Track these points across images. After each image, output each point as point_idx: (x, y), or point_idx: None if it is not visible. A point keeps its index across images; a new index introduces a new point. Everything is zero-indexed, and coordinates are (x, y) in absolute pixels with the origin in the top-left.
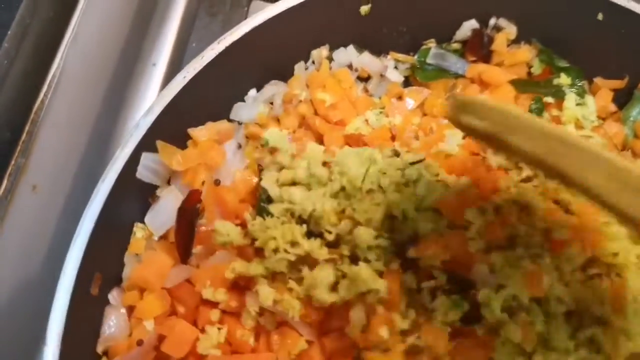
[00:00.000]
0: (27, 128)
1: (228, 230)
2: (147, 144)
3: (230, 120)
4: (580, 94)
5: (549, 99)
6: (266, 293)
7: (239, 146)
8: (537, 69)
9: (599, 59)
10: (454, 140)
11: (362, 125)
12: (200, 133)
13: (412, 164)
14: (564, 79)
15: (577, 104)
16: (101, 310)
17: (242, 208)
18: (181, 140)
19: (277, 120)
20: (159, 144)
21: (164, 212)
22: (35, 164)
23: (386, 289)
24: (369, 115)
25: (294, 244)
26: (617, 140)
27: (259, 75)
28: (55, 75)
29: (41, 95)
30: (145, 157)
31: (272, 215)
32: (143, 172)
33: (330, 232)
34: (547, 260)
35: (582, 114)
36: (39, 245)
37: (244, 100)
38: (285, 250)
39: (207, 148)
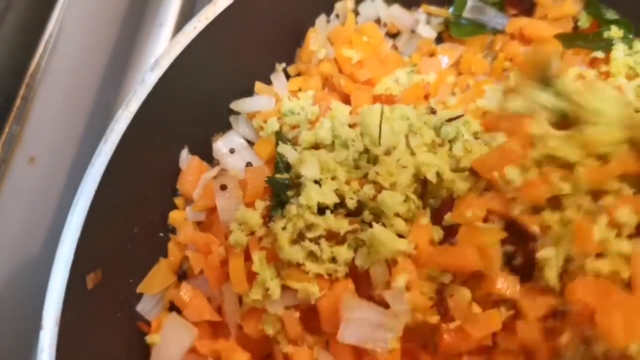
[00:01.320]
0: (21, 93)
1: (247, 218)
2: (152, 103)
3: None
4: (631, 46)
5: (599, 54)
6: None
7: (232, 151)
8: (584, 22)
9: None
10: (495, 96)
11: (392, 85)
12: None
13: (450, 120)
14: (614, 32)
15: (627, 55)
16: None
17: None
18: (188, 102)
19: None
20: None
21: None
22: (31, 133)
23: (411, 246)
24: (399, 74)
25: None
26: None
27: (275, 33)
28: (52, 34)
29: (37, 56)
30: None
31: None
32: None
33: (351, 199)
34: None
35: (633, 60)
36: (38, 222)
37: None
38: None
39: None
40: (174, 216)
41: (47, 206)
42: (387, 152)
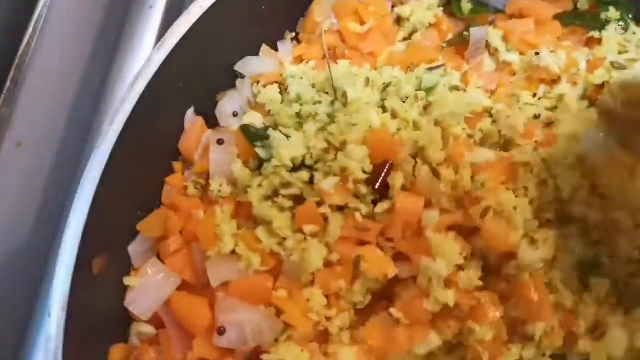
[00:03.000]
0: (11, 75)
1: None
2: (161, 81)
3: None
4: (626, 28)
5: (596, 34)
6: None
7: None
8: (584, 4)
9: None
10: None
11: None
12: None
13: (430, 69)
14: (612, 13)
15: (619, 34)
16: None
17: None
18: (196, 82)
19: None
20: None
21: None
22: (20, 116)
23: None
24: (399, 47)
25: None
26: None
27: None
28: (41, 15)
29: (26, 38)
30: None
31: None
32: None
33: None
34: None
35: (624, 38)
36: (26, 207)
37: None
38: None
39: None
40: (172, 180)
41: (34, 190)
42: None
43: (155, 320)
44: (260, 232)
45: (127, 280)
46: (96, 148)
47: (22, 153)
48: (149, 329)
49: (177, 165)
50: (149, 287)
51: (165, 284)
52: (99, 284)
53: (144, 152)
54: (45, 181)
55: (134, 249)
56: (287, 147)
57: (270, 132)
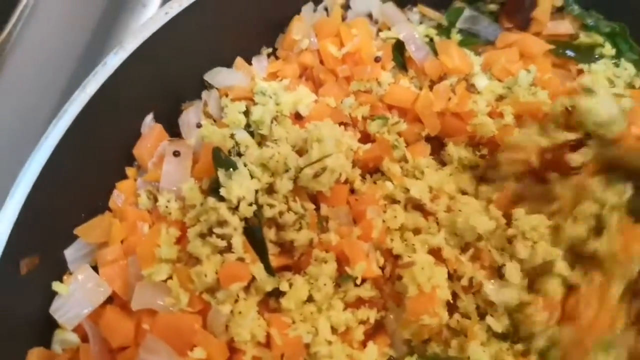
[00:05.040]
0: None
1: (188, 189)
2: (118, 84)
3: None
4: (618, 64)
5: (585, 67)
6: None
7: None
8: (584, 38)
9: None
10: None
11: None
12: None
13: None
14: (607, 49)
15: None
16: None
17: None
18: (160, 88)
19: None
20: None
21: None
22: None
23: None
24: (385, 77)
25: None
26: None
27: (260, 18)
28: (27, 5)
29: (9, 26)
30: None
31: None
32: None
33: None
34: None
35: (612, 72)
36: None
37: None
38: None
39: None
40: (122, 186)
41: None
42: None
43: (80, 331)
44: (195, 272)
45: (55, 286)
46: (37, 146)
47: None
48: (73, 338)
49: (130, 171)
50: (76, 295)
51: (94, 293)
52: (25, 285)
53: (93, 155)
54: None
55: (70, 253)
56: (238, 185)
57: (241, 166)
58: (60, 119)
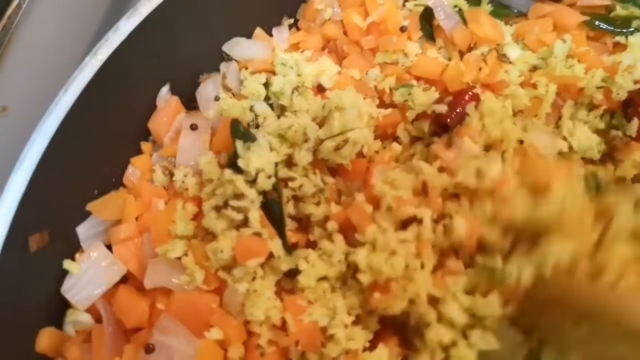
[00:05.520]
0: None
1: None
2: (131, 52)
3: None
4: None
5: (622, 39)
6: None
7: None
8: (620, 10)
9: None
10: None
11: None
12: None
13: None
14: None
15: None
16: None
17: None
18: (175, 58)
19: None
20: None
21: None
22: (6, 80)
23: None
24: (411, 47)
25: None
26: None
27: None
28: None
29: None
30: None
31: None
32: None
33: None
34: None
35: None
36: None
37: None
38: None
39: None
40: (137, 162)
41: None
42: None
43: (94, 311)
44: (211, 249)
45: (66, 264)
46: (45, 115)
47: (7, 118)
48: (86, 318)
49: (145, 146)
50: (89, 274)
51: (108, 272)
52: (35, 262)
53: (106, 127)
54: None
55: (83, 230)
56: (257, 156)
57: (260, 138)
58: (70, 85)
